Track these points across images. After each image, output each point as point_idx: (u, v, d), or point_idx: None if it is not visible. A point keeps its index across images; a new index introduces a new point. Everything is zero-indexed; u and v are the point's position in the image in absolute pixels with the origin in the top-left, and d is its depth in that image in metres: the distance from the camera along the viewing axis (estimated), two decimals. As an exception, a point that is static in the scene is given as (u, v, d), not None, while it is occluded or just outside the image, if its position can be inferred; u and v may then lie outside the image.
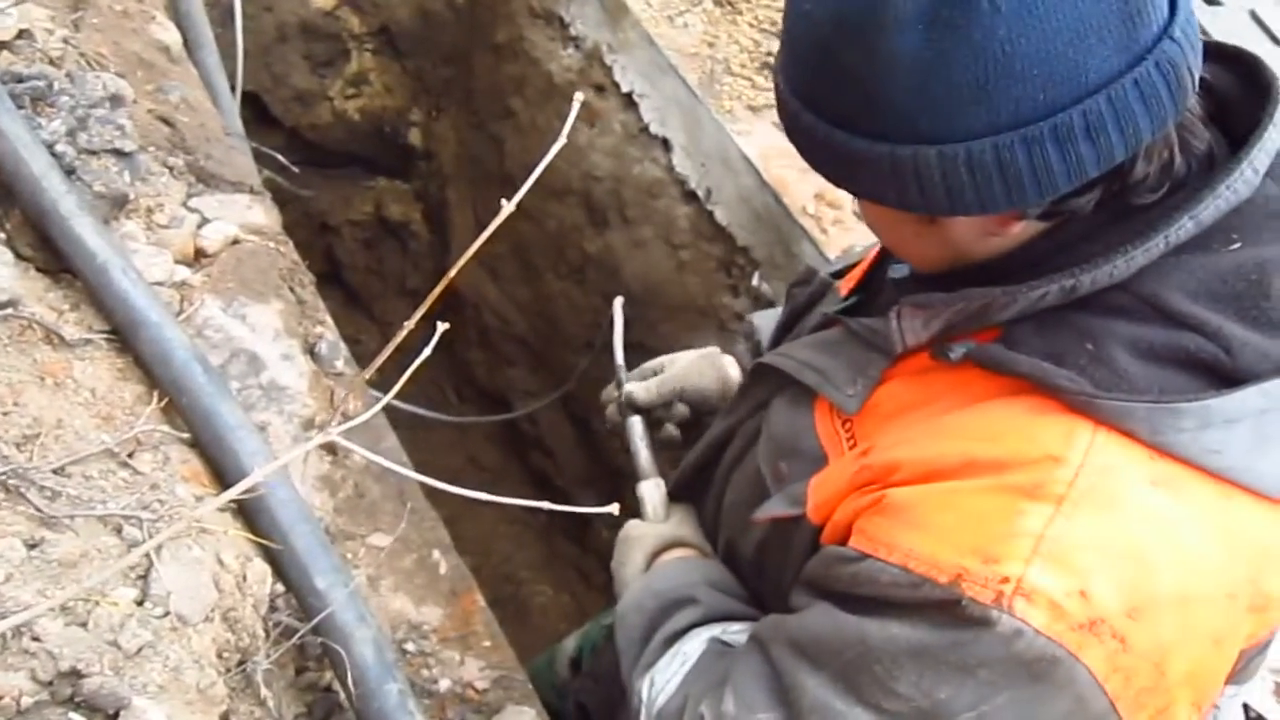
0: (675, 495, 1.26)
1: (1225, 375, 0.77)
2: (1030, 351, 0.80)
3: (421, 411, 1.90)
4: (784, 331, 1.20)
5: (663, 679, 1.08)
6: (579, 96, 0.91)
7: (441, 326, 0.77)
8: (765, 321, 1.31)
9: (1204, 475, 0.77)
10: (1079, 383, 0.77)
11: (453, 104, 2.95)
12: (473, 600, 1.34)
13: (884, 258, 1.06)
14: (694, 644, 1.09)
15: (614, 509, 0.84)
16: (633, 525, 1.22)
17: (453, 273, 0.78)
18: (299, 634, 1.04)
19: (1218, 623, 0.79)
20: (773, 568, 1.04)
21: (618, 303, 1.46)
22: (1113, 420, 0.77)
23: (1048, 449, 0.77)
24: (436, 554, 1.35)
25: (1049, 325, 0.81)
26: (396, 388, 0.82)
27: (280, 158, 1.98)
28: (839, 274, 1.16)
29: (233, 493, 0.81)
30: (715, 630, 1.11)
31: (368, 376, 0.87)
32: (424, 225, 3.22)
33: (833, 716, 0.84)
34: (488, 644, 1.30)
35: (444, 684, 1.24)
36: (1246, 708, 1.46)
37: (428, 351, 0.79)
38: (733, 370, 1.34)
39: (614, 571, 1.23)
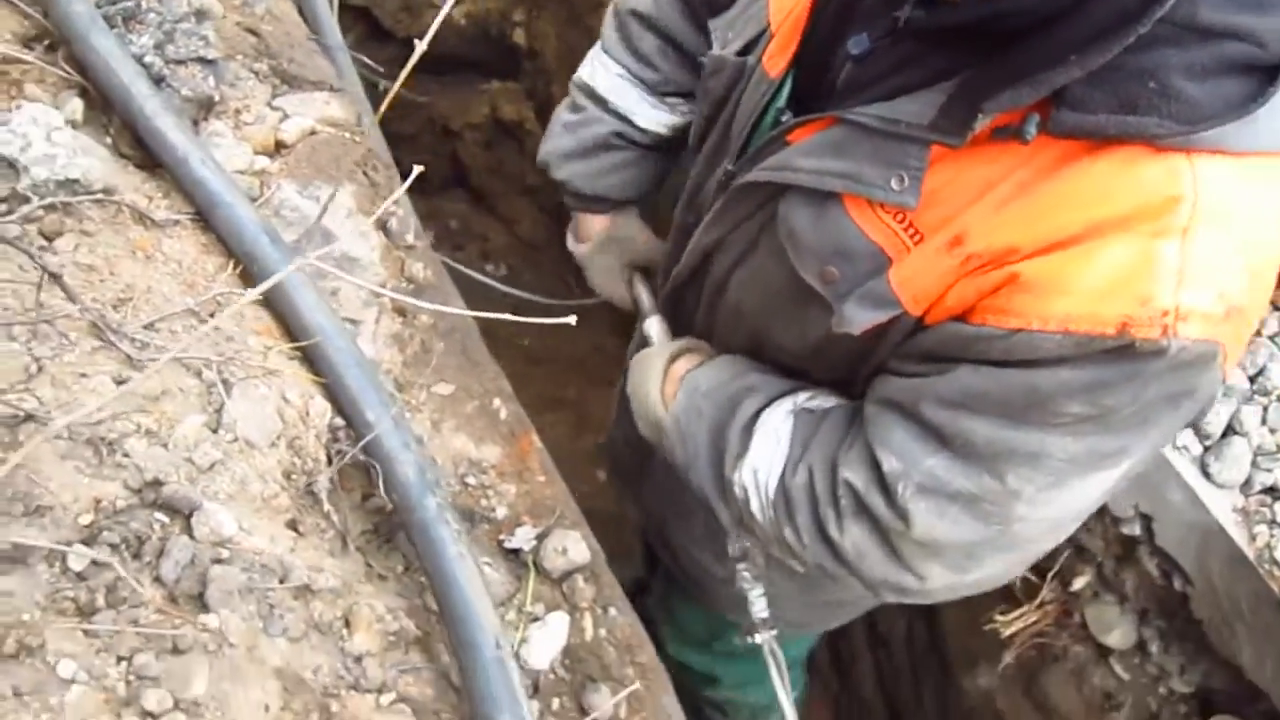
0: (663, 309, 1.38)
1: (1264, 67, 0.84)
2: (1101, 108, 0.87)
3: (502, 287, 2.05)
4: (709, 124, 1.25)
5: (765, 462, 1.18)
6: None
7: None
8: (622, 98, 1.43)
9: None
10: (1167, 125, 0.85)
11: (551, 0, 3.04)
12: (529, 441, 1.48)
13: (815, 27, 1.07)
14: (778, 420, 1.20)
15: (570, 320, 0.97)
16: (643, 351, 1.34)
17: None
18: (349, 454, 1.21)
19: None
20: (851, 359, 1.13)
21: None
22: (1203, 146, 0.86)
23: (1165, 191, 0.86)
24: (497, 402, 1.50)
25: (1103, 78, 0.87)
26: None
27: (368, 61, 2.12)
28: (743, 51, 1.19)
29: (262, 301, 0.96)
30: (787, 405, 1.21)
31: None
32: (537, 124, 3.35)
33: (1008, 443, 0.96)
34: (542, 479, 1.45)
35: (501, 511, 1.39)
36: None
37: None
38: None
39: (633, 392, 1.35)
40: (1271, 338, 1.64)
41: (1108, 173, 0.88)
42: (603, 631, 1.34)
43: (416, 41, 1.77)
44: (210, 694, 0.97)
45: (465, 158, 3.50)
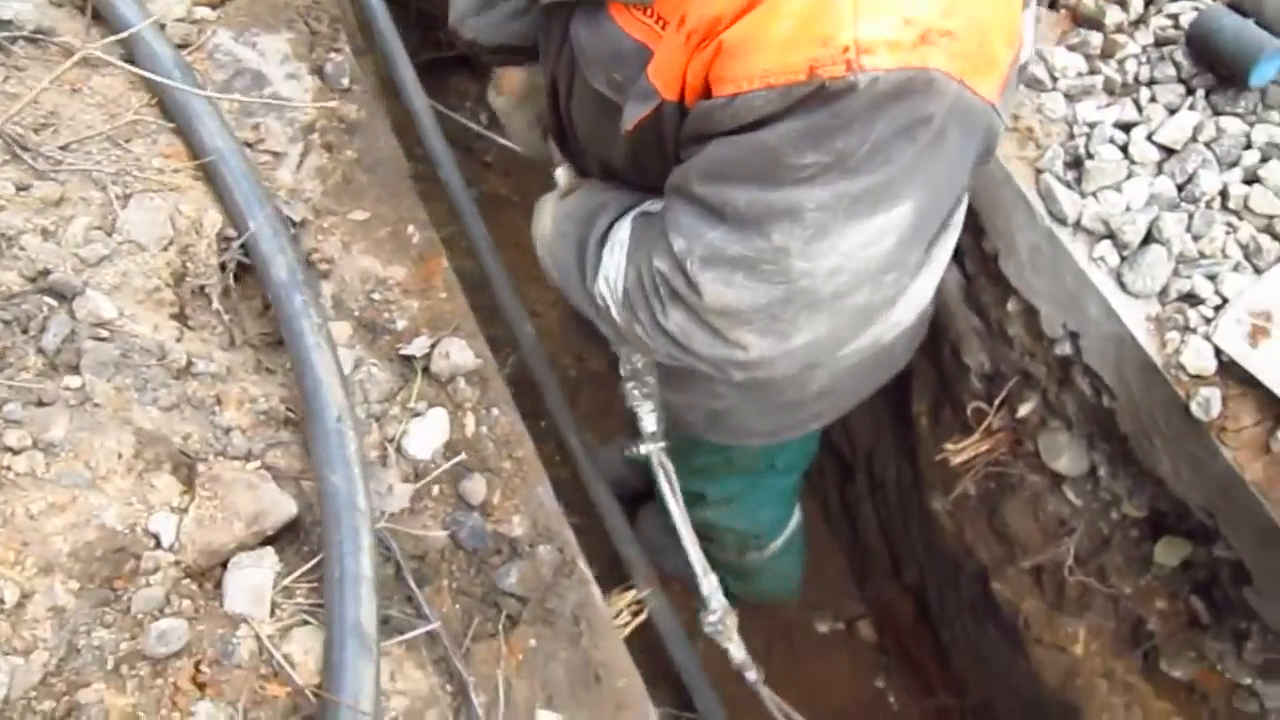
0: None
1: None
2: None
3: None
4: None
5: (614, 270, 1.28)
6: None
7: None
8: None
9: None
10: None
11: None
12: (438, 264, 1.59)
13: None
14: (623, 229, 1.30)
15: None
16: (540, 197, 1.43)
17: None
18: (229, 251, 1.35)
19: None
20: (655, 159, 1.21)
21: None
22: None
23: None
24: (411, 229, 1.61)
25: None
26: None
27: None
28: None
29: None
30: (633, 214, 1.30)
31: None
32: None
33: (765, 203, 1.04)
34: (444, 295, 1.55)
35: (401, 323, 1.51)
36: (1219, 351, 1.42)
37: None
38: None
39: (532, 235, 1.44)
40: (1208, 144, 1.56)
41: None
42: (484, 429, 1.45)
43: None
44: (67, 439, 1.13)
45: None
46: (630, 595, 1.80)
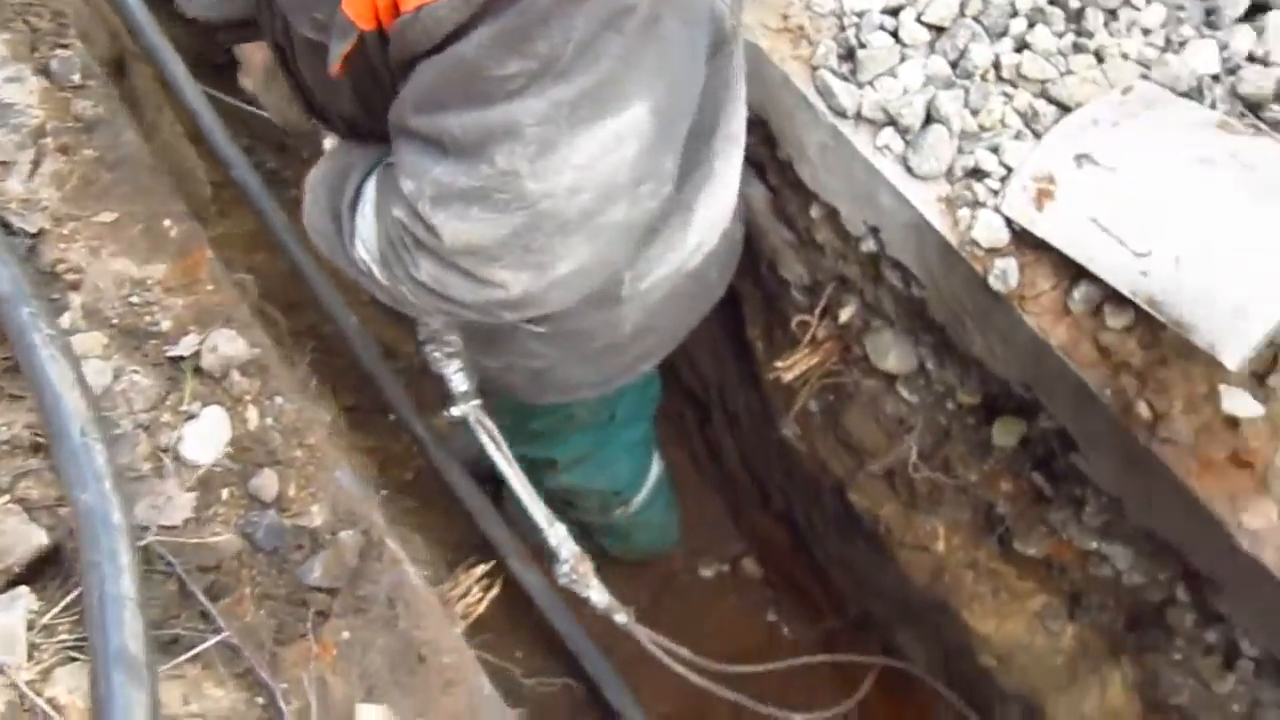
0: None
1: None
2: None
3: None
4: None
5: (366, 230, 1.21)
6: None
7: None
8: None
9: None
10: None
11: None
12: (201, 256, 1.47)
13: None
14: (370, 186, 1.22)
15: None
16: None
17: None
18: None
19: None
20: (379, 100, 1.12)
21: None
22: None
23: None
24: (168, 222, 1.49)
25: None
26: None
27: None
28: None
29: None
30: (379, 169, 1.21)
31: None
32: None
33: (482, 125, 0.96)
34: (211, 288, 1.44)
35: (166, 324, 1.40)
36: (1010, 221, 1.40)
37: None
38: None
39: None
40: (975, 18, 1.54)
41: None
42: (269, 420, 1.35)
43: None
44: None
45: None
46: (479, 571, 1.72)
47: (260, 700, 1.16)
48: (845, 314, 1.76)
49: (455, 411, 1.54)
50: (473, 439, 2.43)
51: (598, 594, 1.72)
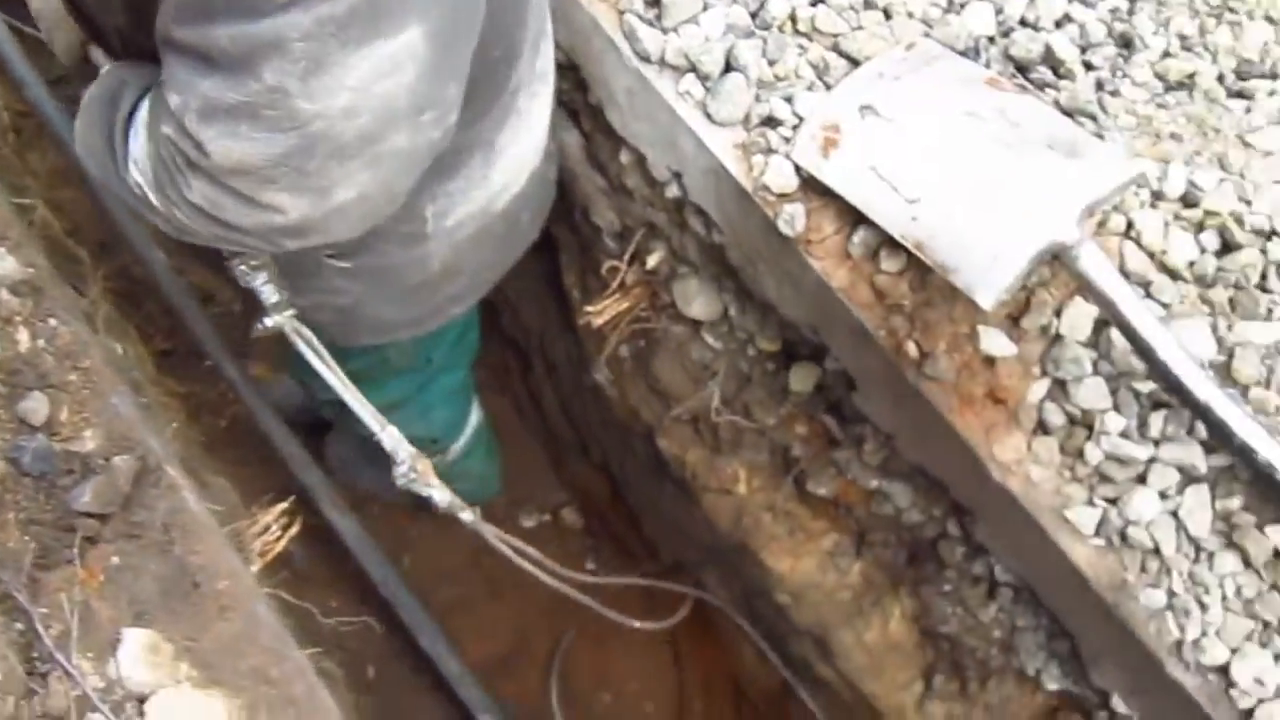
0: None
1: None
2: None
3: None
4: None
5: (138, 151, 1.15)
6: None
7: None
8: None
9: None
10: None
11: None
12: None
13: None
14: (144, 106, 1.16)
15: None
16: None
17: None
18: None
19: None
20: (149, 5, 1.07)
21: None
22: None
23: None
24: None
25: None
26: None
27: None
28: None
29: None
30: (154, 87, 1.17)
31: None
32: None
33: (249, 38, 0.93)
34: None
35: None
36: (799, 168, 1.45)
37: None
38: None
39: None
40: (775, -31, 1.59)
41: None
42: (41, 342, 1.30)
43: None
44: None
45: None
46: (279, 508, 1.70)
47: (19, 626, 1.12)
48: (653, 260, 1.79)
49: (269, 322, 1.51)
50: (293, 390, 2.38)
51: (439, 493, 1.70)
